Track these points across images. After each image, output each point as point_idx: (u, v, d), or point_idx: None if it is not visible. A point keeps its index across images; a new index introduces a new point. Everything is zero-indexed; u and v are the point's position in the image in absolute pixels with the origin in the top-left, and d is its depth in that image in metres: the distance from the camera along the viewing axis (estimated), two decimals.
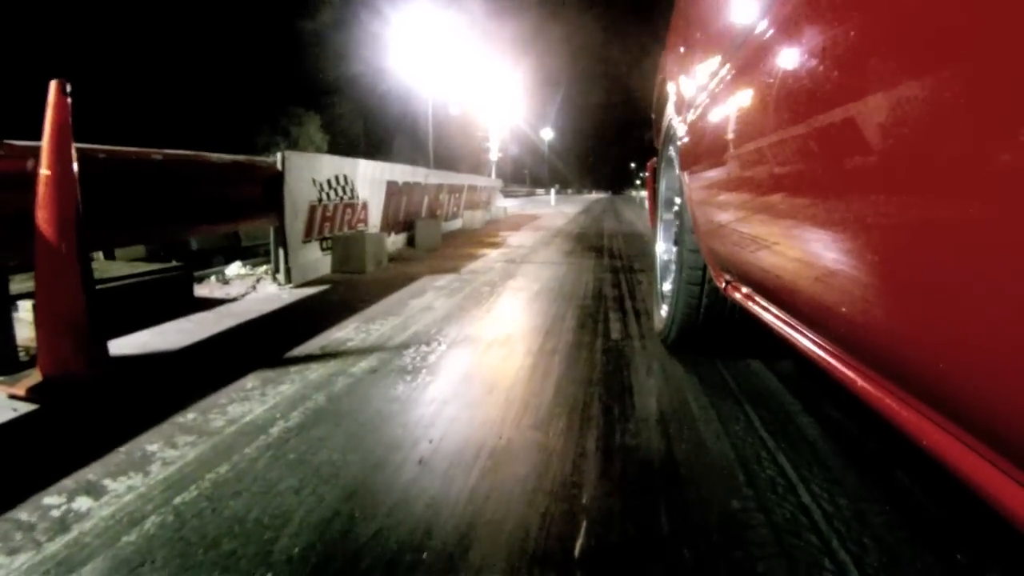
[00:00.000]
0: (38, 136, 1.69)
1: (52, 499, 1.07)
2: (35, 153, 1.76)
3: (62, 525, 0.99)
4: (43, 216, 1.64)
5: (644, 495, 1.07)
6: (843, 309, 0.68)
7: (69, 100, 1.69)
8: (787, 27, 0.76)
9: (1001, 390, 0.44)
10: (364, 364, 1.82)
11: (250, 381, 1.66)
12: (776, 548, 0.91)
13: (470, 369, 1.79)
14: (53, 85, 1.68)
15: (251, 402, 1.50)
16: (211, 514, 1.00)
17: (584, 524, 0.97)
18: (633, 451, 1.24)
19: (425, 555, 0.89)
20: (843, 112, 0.59)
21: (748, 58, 0.92)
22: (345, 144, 38.70)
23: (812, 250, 0.74)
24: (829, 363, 0.77)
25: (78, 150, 1.72)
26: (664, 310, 2.06)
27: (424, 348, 2.00)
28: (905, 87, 0.49)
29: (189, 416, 1.42)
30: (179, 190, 2.65)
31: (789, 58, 0.75)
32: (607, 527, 0.97)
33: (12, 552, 0.92)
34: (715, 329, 1.79)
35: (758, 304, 1.13)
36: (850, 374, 0.70)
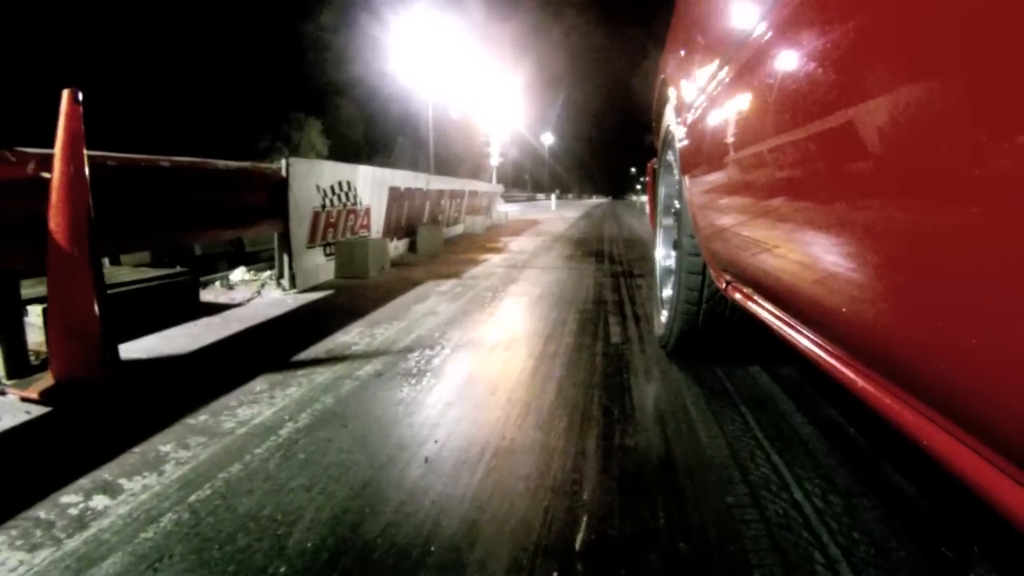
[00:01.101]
0: (44, 141, 1.73)
1: (69, 498, 1.10)
2: (46, 160, 1.80)
3: (80, 523, 1.02)
4: (56, 222, 1.67)
5: (642, 492, 1.10)
6: (843, 309, 0.68)
7: (81, 108, 1.73)
8: (787, 30, 0.76)
9: (1001, 390, 0.43)
10: (370, 368, 1.86)
11: (258, 384, 1.70)
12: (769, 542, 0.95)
13: (473, 372, 1.83)
14: (66, 94, 1.71)
15: (260, 404, 1.54)
16: (225, 511, 1.04)
17: (585, 519, 1.01)
18: (631, 450, 1.28)
19: (433, 548, 0.93)
20: (843, 114, 0.59)
21: (748, 61, 0.92)
22: (346, 148, 38.85)
23: (812, 250, 0.75)
24: (829, 363, 0.76)
25: (89, 157, 1.75)
26: (664, 315, 2.07)
27: (428, 352, 2.04)
28: (904, 89, 0.50)
29: (200, 418, 1.46)
30: (187, 197, 2.69)
31: (789, 60, 0.75)
32: (607, 522, 1.01)
33: (33, 549, 0.95)
34: (715, 334, 1.79)
35: (758, 304, 1.12)
36: (850, 374, 0.70)
